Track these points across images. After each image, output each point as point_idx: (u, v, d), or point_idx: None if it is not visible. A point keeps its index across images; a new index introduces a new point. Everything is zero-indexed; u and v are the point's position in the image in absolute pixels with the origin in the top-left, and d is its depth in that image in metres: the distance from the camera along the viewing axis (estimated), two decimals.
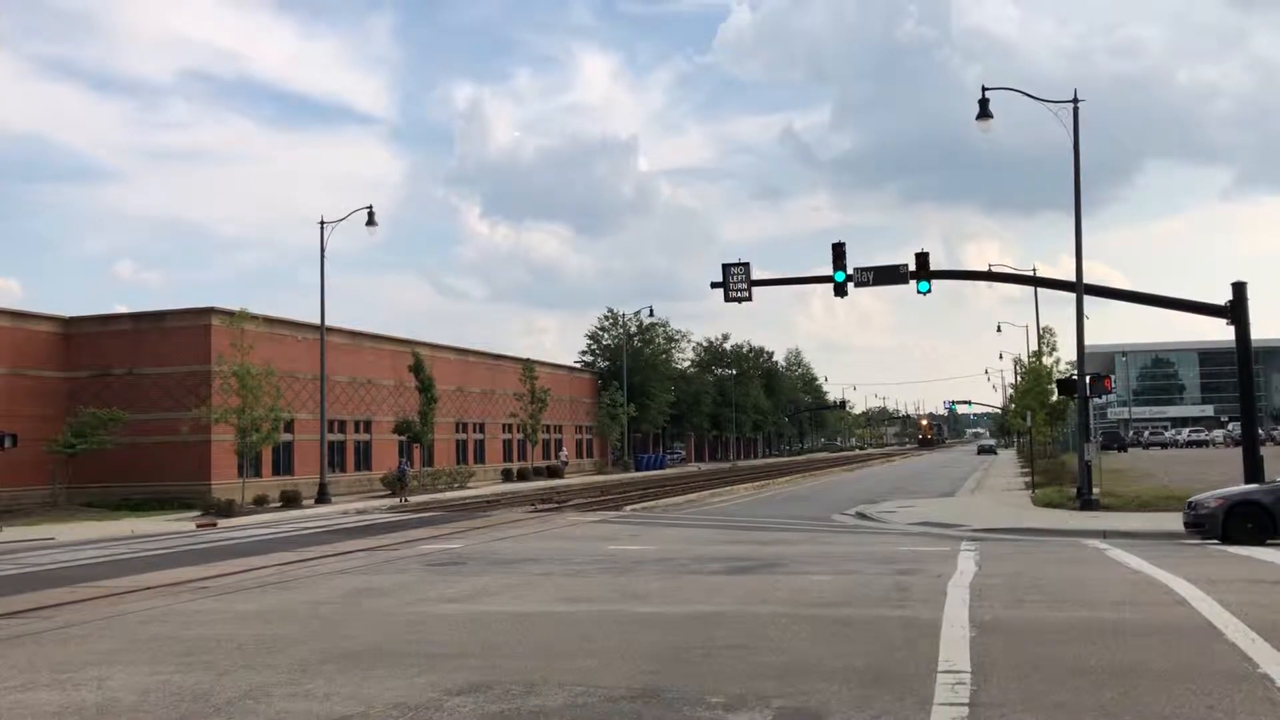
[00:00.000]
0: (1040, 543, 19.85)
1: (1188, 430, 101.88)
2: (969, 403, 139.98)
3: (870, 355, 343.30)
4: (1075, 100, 26.68)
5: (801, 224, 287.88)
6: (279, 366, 40.24)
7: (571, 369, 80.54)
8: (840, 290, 28.68)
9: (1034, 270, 38.25)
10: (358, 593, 14.11)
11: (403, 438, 51.55)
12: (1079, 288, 27.39)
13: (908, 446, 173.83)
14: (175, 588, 15.17)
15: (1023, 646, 9.05)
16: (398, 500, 40.56)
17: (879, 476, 59.59)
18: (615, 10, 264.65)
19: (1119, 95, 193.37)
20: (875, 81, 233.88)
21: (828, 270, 28.84)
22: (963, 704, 7.04)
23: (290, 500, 37.81)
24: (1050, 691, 7.38)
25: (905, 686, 7.64)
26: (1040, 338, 44.29)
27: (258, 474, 42.01)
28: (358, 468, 50.50)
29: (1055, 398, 40.47)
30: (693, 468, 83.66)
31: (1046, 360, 43.13)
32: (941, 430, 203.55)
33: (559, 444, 72.90)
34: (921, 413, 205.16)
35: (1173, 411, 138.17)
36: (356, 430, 51.04)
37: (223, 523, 31.24)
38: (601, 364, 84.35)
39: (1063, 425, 50.11)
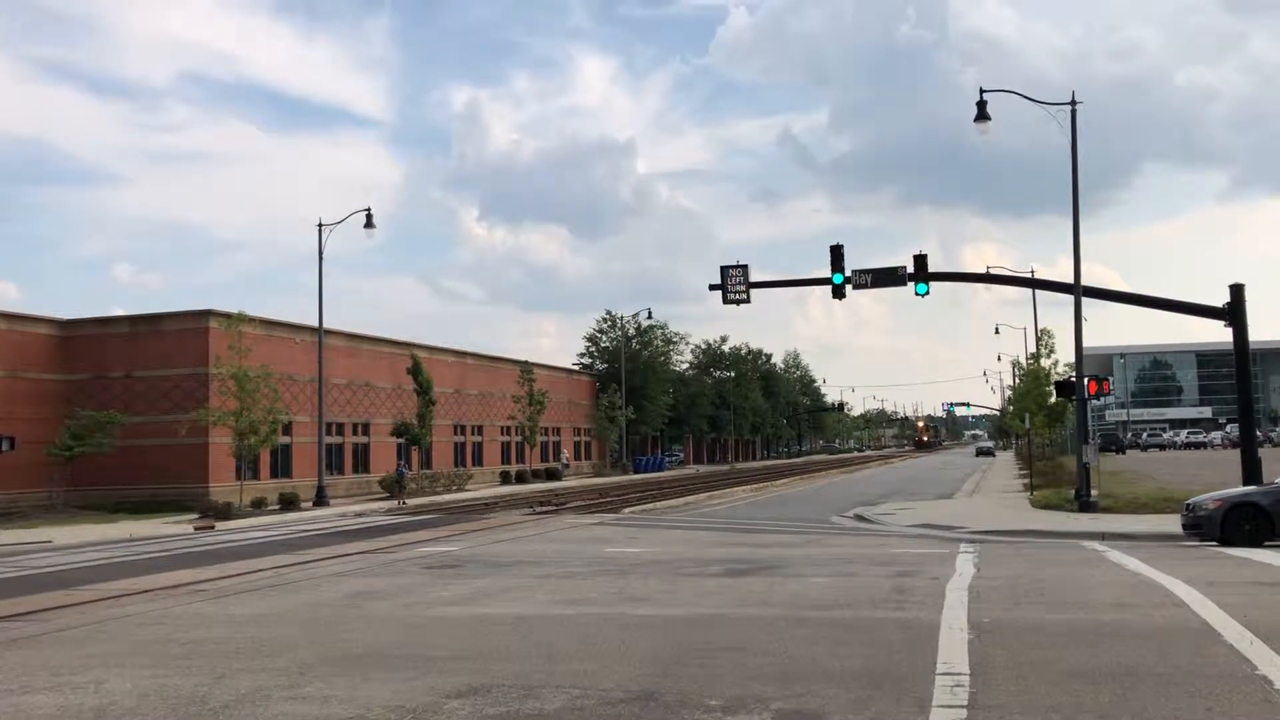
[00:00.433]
0: (1039, 545, 19.85)
1: (1186, 432, 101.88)
2: (967, 405, 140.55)
3: (868, 357, 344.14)
4: (1073, 102, 26.73)
5: (800, 226, 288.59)
6: (277, 369, 40.27)
7: (570, 371, 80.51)
8: (838, 292, 28.70)
9: (1032, 272, 38.32)
10: (356, 595, 14.09)
11: (401, 440, 51.55)
12: (1077, 290, 27.41)
13: (906, 448, 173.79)
14: (173, 590, 15.15)
15: (1021, 648, 9.05)
16: (396, 503, 40.55)
17: (877, 479, 59.58)
18: (613, 13, 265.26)
19: (1117, 97, 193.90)
20: (873, 84, 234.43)
21: (826, 272, 28.88)
22: (961, 706, 7.04)
23: (288, 503, 37.78)
24: (1049, 693, 7.38)
25: (904, 688, 7.64)
26: (1038, 340, 44.48)
27: (256, 476, 42.01)
28: (356, 470, 50.50)
29: (1053, 400, 40.48)
30: (691, 470, 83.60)
31: (1045, 362, 43.25)
32: (939, 432, 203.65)
33: (557, 446, 72.86)
34: (920, 415, 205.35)
35: (1171, 413, 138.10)
36: (354, 433, 51.03)
37: (220, 525, 31.22)
38: (600, 366, 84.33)
39: (1061, 427, 50.12)
